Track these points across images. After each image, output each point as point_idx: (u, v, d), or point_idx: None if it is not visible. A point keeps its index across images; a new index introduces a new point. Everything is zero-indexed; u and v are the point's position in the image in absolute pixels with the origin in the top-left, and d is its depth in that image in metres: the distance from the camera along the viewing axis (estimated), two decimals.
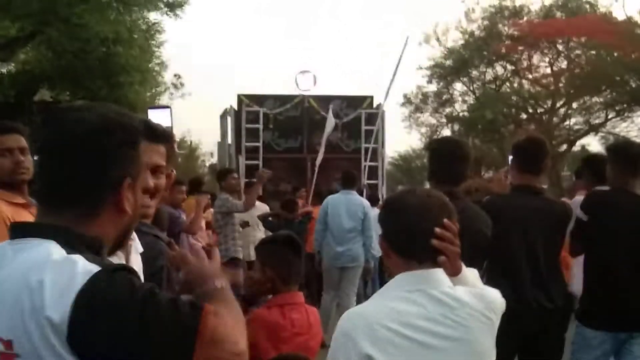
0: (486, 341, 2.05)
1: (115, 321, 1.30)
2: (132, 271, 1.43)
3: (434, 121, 34.34)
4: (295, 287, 3.24)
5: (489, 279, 4.21)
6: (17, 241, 1.44)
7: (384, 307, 1.96)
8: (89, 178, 1.47)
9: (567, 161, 33.18)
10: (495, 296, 2.17)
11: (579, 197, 5.34)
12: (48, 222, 1.46)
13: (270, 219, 9.27)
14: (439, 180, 3.94)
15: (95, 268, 1.34)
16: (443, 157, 3.93)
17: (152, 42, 13.66)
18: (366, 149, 14.39)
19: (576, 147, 32.94)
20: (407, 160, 43.60)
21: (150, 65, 13.39)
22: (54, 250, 1.39)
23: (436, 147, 4.12)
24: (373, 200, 11.48)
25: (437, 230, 2.03)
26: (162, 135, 1.80)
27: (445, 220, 2.06)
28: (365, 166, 14.15)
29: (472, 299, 2.03)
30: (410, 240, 2.06)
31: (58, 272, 1.33)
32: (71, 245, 1.42)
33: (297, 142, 15.10)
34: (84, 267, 1.34)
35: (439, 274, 2.03)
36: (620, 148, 4.70)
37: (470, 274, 2.24)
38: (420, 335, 1.92)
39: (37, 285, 1.32)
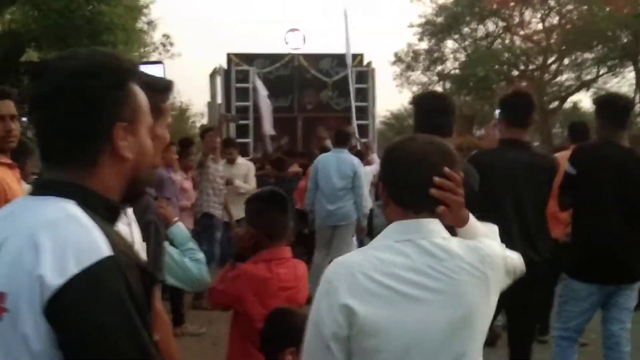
0: (476, 294, 1.92)
1: (99, 320, 1.27)
2: (140, 267, 1.39)
3: (425, 79, 34.17)
4: (282, 242, 3.25)
5: None
6: (36, 197, 1.42)
7: (369, 256, 1.91)
8: (78, 127, 1.40)
9: (558, 118, 33.20)
10: (496, 251, 2.05)
11: (567, 152, 5.37)
12: (59, 178, 1.41)
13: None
14: (424, 133, 3.93)
15: (106, 250, 1.30)
16: (427, 111, 3.92)
17: (139, 1, 13.47)
18: (357, 107, 14.33)
19: (567, 104, 32.95)
20: (399, 119, 43.46)
21: (137, 25, 13.21)
22: (70, 210, 1.35)
23: (420, 102, 4.10)
24: (360, 157, 11.48)
25: (436, 179, 1.94)
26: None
27: (446, 168, 1.96)
28: (355, 124, 14.10)
29: (465, 251, 1.93)
30: (407, 189, 1.98)
31: (67, 234, 1.30)
32: (89, 205, 1.38)
33: (288, 101, 15.01)
34: (94, 243, 1.31)
35: (433, 224, 1.95)
36: (606, 101, 4.71)
37: (483, 227, 2.13)
38: (403, 286, 1.85)
39: (42, 242, 1.29)
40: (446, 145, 2.08)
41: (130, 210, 2.17)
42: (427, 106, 3.97)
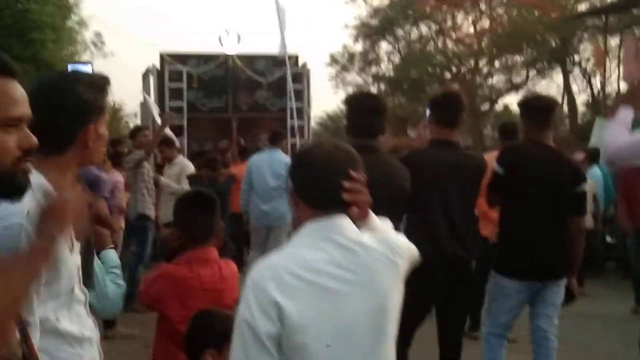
0: (390, 283, 2.08)
1: None
2: None
3: (360, 80, 34.43)
4: (207, 243, 3.20)
5: (407, 233, 4.28)
6: None
7: (291, 254, 2.02)
8: None
9: (489, 120, 33.84)
10: (401, 241, 2.23)
11: (496, 153, 5.48)
12: None
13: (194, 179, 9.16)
14: (356, 133, 3.96)
15: None
16: (359, 110, 3.96)
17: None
18: (292, 108, 14.32)
19: (498, 106, 33.63)
20: (334, 120, 43.63)
21: (67, 23, 12.90)
22: None
23: (352, 102, 4.14)
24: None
25: (346, 183, 2.06)
26: (7, 65, 1.59)
27: (351, 171, 2.09)
28: (291, 125, 14.08)
29: (377, 244, 2.07)
30: (317, 192, 2.09)
31: None
32: None
33: (222, 101, 14.87)
34: None
35: (344, 221, 2.06)
36: (530, 102, 4.81)
37: (379, 221, 2.25)
38: (326, 280, 1.96)
39: None
40: (350, 148, 2.22)
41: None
42: (359, 106, 4.00)
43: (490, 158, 5.09)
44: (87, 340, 2.12)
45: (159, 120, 13.04)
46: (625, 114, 3.72)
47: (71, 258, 2.07)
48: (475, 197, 4.41)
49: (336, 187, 2.06)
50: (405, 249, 2.20)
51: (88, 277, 2.45)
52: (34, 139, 1.53)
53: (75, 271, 2.10)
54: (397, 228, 3.99)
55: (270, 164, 8.45)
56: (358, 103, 4.04)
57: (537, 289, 4.54)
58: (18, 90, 1.53)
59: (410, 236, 4.16)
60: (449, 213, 4.24)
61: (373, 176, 3.78)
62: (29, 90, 1.58)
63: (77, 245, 2.15)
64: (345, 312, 1.98)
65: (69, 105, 2.07)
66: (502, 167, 4.51)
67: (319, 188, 2.09)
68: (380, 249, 2.07)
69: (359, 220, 2.14)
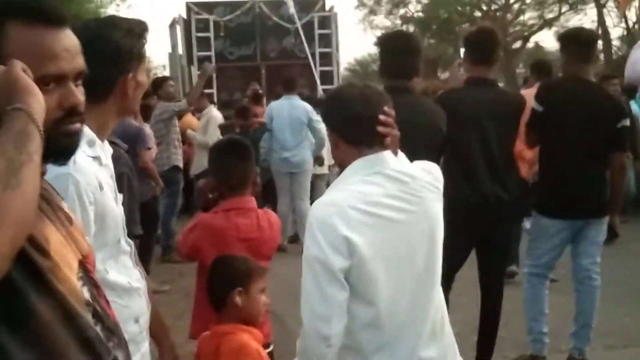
0: (438, 208, 2.25)
1: None
2: None
3: (388, 23, 33.93)
4: (244, 191, 3.16)
5: (446, 173, 4.21)
6: None
7: (350, 191, 2.13)
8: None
9: (521, 58, 33.24)
10: (437, 169, 2.38)
11: (532, 90, 5.34)
12: None
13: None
14: (390, 75, 3.88)
15: None
16: (392, 51, 3.86)
17: None
18: (320, 54, 14.15)
19: (530, 44, 32.98)
20: (363, 65, 43.26)
21: None
22: None
23: (385, 42, 4.02)
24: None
25: (382, 117, 2.18)
26: (48, 12, 1.38)
27: (385, 107, 2.21)
28: (319, 71, 13.94)
29: (422, 173, 2.23)
30: (358, 127, 2.19)
31: None
32: None
33: (250, 49, 14.75)
34: None
35: (388, 154, 2.19)
36: (570, 34, 4.67)
37: (401, 155, 2.36)
38: (387, 212, 2.11)
39: None
40: (378, 88, 2.42)
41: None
42: (392, 47, 3.91)
43: (527, 95, 4.97)
44: (136, 291, 2.11)
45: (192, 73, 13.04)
46: None
47: (116, 208, 2.05)
48: (515, 136, 4.31)
49: (374, 123, 2.18)
50: (441, 176, 2.34)
51: (134, 223, 2.45)
52: (77, 97, 1.35)
53: (120, 222, 2.08)
54: None
55: (289, 110, 8.40)
56: (391, 43, 3.94)
57: (579, 227, 4.46)
58: (61, 42, 1.34)
59: (448, 178, 4.15)
60: (488, 153, 4.15)
61: (408, 117, 3.72)
62: None
63: (121, 197, 2.13)
64: (405, 239, 2.15)
65: (107, 53, 1.99)
66: (541, 104, 4.39)
67: (360, 124, 2.19)
68: (425, 177, 2.22)
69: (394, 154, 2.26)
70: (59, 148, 1.35)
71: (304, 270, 2.09)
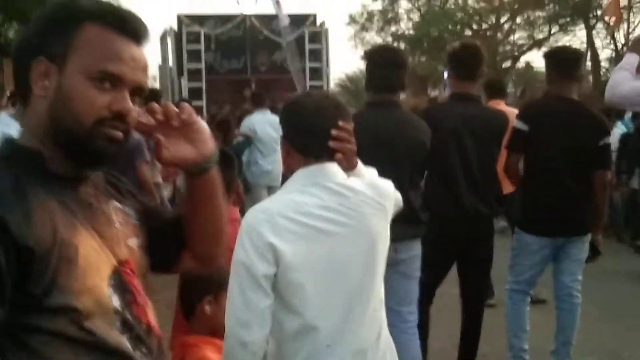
0: (379, 225, 2.23)
1: None
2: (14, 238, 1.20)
3: (380, 40, 34.04)
4: (226, 200, 3.15)
5: (429, 187, 4.24)
6: None
7: (284, 199, 2.16)
8: (17, 64, 1.37)
9: (511, 77, 33.43)
10: (387, 185, 2.35)
11: (515, 109, 5.39)
12: None
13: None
14: (376, 88, 3.90)
15: None
16: (378, 64, 3.88)
17: None
18: (310, 69, 14.21)
19: (520, 63, 33.18)
20: (354, 81, 43.37)
21: None
22: None
23: (371, 55, 4.05)
24: None
25: (333, 131, 2.18)
26: (127, 24, 1.38)
27: (340, 121, 2.20)
28: (309, 86, 14.00)
29: (365, 188, 2.21)
30: (308, 139, 2.20)
31: None
32: (5, 151, 1.37)
33: (240, 63, 14.82)
34: None
35: (333, 167, 2.18)
36: (555, 52, 4.70)
37: (367, 170, 2.39)
38: (317, 222, 2.10)
39: None
40: (338, 99, 2.36)
41: None
42: (378, 59, 3.93)
43: (510, 114, 5.00)
44: None
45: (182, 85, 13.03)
46: (631, 58, 3.62)
47: None
48: (497, 152, 4.33)
49: (325, 135, 2.18)
50: (391, 193, 2.34)
51: None
52: (128, 104, 1.35)
53: None
54: (417, 183, 3.97)
55: (270, 124, 8.50)
56: (377, 56, 3.96)
57: (561, 245, 4.48)
58: (129, 51, 1.36)
59: (431, 191, 4.18)
60: (468, 167, 4.18)
61: (392, 131, 3.77)
62: None
63: None
64: (338, 252, 2.13)
65: None
66: (525, 123, 4.41)
67: (309, 135, 2.19)
68: (368, 192, 2.21)
69: (347, 169, 2.26)
70: (95, 148, 1.34)
71: (230, 276, 2.08)
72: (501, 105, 5.88)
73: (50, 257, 1.23)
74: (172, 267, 1.70)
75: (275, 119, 8.47)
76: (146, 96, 1.46)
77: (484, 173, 4.23)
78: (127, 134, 1.38)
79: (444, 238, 4.19)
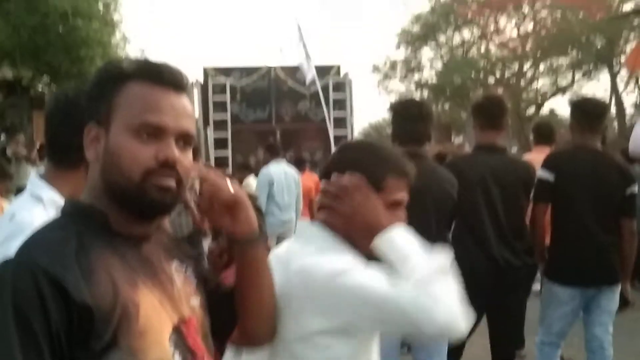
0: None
1: None
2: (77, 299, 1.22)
3: (403, 88, 34.32)
4: None
5: (456, 239, 4.24)
6: None
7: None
8: (54, 131, 1.55)
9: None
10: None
11: (536, 155, 5.42)
12: None
13: None
14: (402, 140, 3.94)
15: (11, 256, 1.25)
16: (404, 117, 3.93)
17: (113, 15, 13.37)
18: (334, 118, 14.35)
19: (544, 110, 33.18)
20: (378, 129, 43.62)
21: (112, 39, 13.13)
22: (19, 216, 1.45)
23: (397, 108, 4.11)
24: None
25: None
26: (164, 74, 1.40)
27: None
28: (333, 135, 14.13)
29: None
30: None
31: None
32: (67, 212, 1.42)
33: (265, 113, 15.03)
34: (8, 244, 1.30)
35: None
36: (580, 104, 4.72)
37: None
38: None
39: None
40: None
41: None
42: (404, 112, 3.97)
43: (528, 160, 5.03)
44: None
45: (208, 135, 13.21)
46: None
47: None
48: (525, 203, 4.33)
49: None
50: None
51: None
52: (173, 151, 1.35)
53: None
54: (445, 235, 3.98)
55: (286, 176, 8.58)
56: (403, 110, 4.02)
57: (592, 295, 4.43)
58: (168, 99, 1.37)
59: (459, 242, 4.18)
60: (496, 218, 4.18)
61: (418, 183, 3.79)
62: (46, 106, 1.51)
63: None
64: None
65: (77, 119, 2.01)
66: (551, 173, 4.41)
67: None
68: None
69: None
70: (149, 201, 1.35)
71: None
72: (546, 152, 5.77)
73: (111, 316, 1.24)
74: (227, 339, 1.68)
75: (290, 169, 8.70)
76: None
77: (513, 223, 4.22)
78: (180, 183, 1.38)
79: (473, 289, 4.16)
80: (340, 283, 1.71)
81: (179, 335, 1.37)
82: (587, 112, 4.49)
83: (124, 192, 1.35)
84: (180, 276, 1.48)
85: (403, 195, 1.96)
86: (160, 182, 1.35)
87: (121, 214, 1.37)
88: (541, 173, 4.43)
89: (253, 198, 6.09)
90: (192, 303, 1.47)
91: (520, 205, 4.31)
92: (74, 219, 1.36)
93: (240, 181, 10.95)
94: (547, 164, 4.49)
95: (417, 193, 3.85)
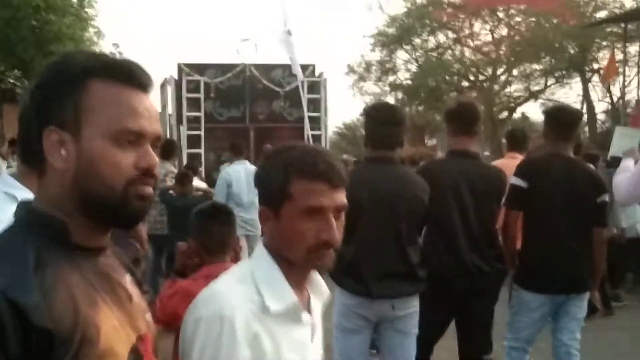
0: None
1: None
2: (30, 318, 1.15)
3: (377, 90, 34.39)
4: (224, 257, 3.15)
5: (427, 243, 4.25)
6: None
7: None
8: (23, 135, 1.34)
9: (507, 128, 33.62)
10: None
11: (502, 160, 5.46)
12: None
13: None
14: (374, 145, 3.94)
15: None
16: (377, 122, 3.93)
17: (87, 10, 13.20)
18: (309, 118, 14.32)
19: (517, 114, 33.45)
20: (352, 129, 43.68)
21: (85, 34, 12.95)
22: None
23: (370, 113, 4.10)
24: None
25: None
26: (134, 75, 1.33)
27: None
28: (308, 135, 14.11)
29: None
30: None
31: None
32: (27, 222, 1.29)
33: (240, 111, 14.92)
34: None
35: None
36: (553, 113, 4.76)
37: None
38: None
39: None
40: None
41: None
42: (377, 117, 3.98)
43: (502, 166, 5.07)
44: None
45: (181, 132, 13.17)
46: (626, 162, 4.35)
47: None
48: (496, 210, 4.36)
49: None
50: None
51: None
52: (154, 158, 1.31)
53: None
54: (415, 239, 3.99)
55: (247, 175, 8.55)
56: (376, 114, 4.01)
57: (561, 302, 4.47)
58: (142, 102, 1.32)
59: (430, 247, 4.19)
60: (467, 224, 4.21)
61: (390, 187, 3.81)
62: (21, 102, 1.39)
63: None
64: None
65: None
66: (524, 180, 4.44)
67: None
68: None
69: None
70: (131, 210, 1.31)
71: None
72: (520, 159, 5.79)
73: (72, 340, 1.19)
74: None
75: (253, 168, 8.58)
76: (162, 145, 1.43)
77: (484, 229, 4.25)
78: (155, 188, 1.35)
79: (443, 293, 4.19)
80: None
81: (137, 354, 1.33)
82: (561, 120, 4.53)
83: (105, 203, 1.29)
84: (134, 289, 1.44)
85: (322, 201, 1.72)
86: (141, 191, 1.31)
87: (86, 224, 1.31)
88: (514, 180, 4.45)
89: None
90: (147, 318, 1.43)
91: (491, 211, 4.33)
92: (30, 228, 1.28)
93: (212, 179, 10.89)
94: (520, 171, 4.51)
95: (389, 198, 3.88)
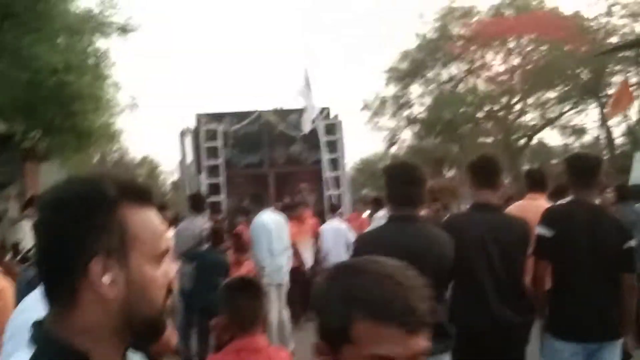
0: None
1: None
2: None
3: (393, 124, 34.52)
4: (255, 330, 3.15)
5: (454, 299, 4.24)
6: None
7: None
8: (50, 265, 1.30)
9: (526, 156, 33.55)
10: None
11: (521, 202, 5.46)
12: (44, 321, 1.31)
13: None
14: (396, 203, 3.96)
15: None
16: (398, 180, 3.95)
17: (103, 64, 13.38)
18: (327, 160, 14.43)
19: (534, 142, 33.36)
20: (368, 163, 43.74)
21: (103, 90, 13.14)
22: None
23: (391, 172, 4.12)
24: (333, 210, 11.69)
25: None
26: (151, 194, 1.41)
27: None
28: (326, 177, 14.22)
29: None
30: None
31: None
32: (46, 355, 1.26)
33: (257, 157, 15.07)
34: None
35: None
36: (573, 161, 4.75)
37: None
38: None
39: None
40: None
41: None
42: (398, 177, 3.99)
43: (516, 209, 5.05)
44: None
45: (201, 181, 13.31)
46: None
47: None
48: (523, 261, 4.35)
49: None
50: None
51: None
52: (173, 270, 1.41)
53: None
54: (442, 296, 3.98)
55: (277, 224, 8.67)
56: (397, 173, 4.03)
57: (593, 351, 4.41)
58: (160, 217, 1.40)
59: (458, 302, 4.17)
60: (495, 277, 4.18)
61: (414, 245, 3.81)
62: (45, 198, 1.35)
63: None
64: None
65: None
66: (550, 229, 4.43)
67: None
68: None
69: None
70: (163, 322, 1.36)
71: None
72: (540, 200, 5.79)
73: None
74: None
75: (279, 217, 8.85)
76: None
77: (512, 281, 4.22)
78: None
79: (474, 349, 4.16)
80: None
81: None
82: (580, 169, 4.53)
83: (149, 321, 1.33)
84: None
85: (394, 350, 1.36)
86: (165, 302, 1.37)
87: (114, 349, 1.33)
88: (539, 229, 4.45)
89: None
90: None
91: (519, 262, 4.31)
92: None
93: (235, 226, 10.92)
94: (545, 220, 4.50)
95: (415, 256, 3.87)
